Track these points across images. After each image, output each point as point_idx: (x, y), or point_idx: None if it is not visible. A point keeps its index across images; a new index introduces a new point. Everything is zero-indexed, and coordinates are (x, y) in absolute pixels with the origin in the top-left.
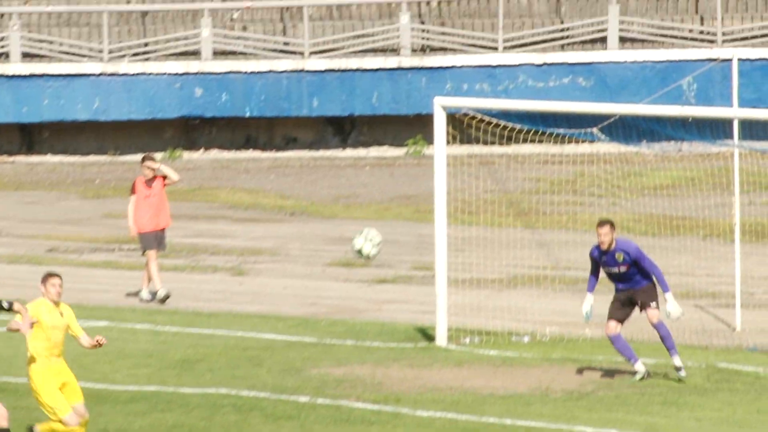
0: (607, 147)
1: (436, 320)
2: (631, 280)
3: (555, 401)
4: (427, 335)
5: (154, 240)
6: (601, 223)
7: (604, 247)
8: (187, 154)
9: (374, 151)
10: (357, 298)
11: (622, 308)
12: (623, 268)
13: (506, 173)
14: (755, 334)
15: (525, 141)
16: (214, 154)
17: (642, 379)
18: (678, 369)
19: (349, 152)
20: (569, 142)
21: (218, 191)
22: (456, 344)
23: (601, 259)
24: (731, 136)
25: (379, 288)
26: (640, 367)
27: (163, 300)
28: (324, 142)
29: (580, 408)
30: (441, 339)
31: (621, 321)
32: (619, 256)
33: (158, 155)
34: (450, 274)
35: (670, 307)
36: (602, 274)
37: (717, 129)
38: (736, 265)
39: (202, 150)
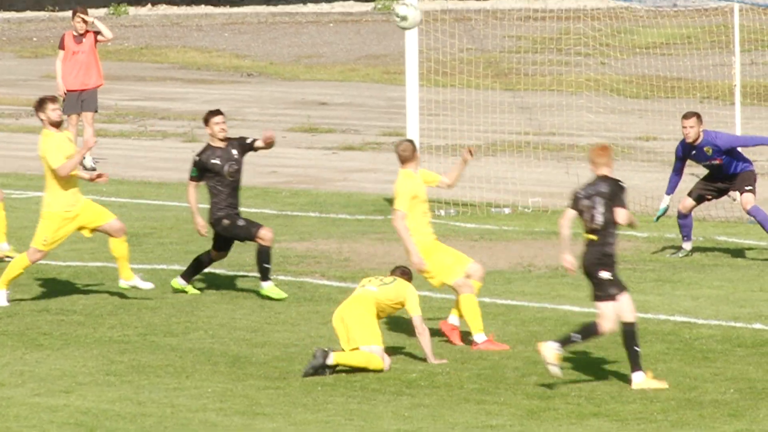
0: (595, 2)
1: None
2: (728, 169)
3: (538, 278)
4: None
5: (77, 101)
6: (687, 116)
7: (690, 140)
8: (133, 10)
9: (339, 6)
10: (321, 166)
11: (707, 190)
12: (716, 161)
13: (484, 30)
14: (758, 204)
15: None
16: (163, 9)
17: (685, 255)
18: None
19: (312, 7)
20: None
21: (168, 50)
22: (430, 217)
23: (689, 154)
24: None
25: (345, 155)
26: (688, 246)
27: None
28: None
29: (565, 285)
30: None
31: (699, 203)
32: (708, 150)
33: (101, 11)
34: (422, 140)
35: None
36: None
37: None
38: (736, 129)
39: (149, 5)
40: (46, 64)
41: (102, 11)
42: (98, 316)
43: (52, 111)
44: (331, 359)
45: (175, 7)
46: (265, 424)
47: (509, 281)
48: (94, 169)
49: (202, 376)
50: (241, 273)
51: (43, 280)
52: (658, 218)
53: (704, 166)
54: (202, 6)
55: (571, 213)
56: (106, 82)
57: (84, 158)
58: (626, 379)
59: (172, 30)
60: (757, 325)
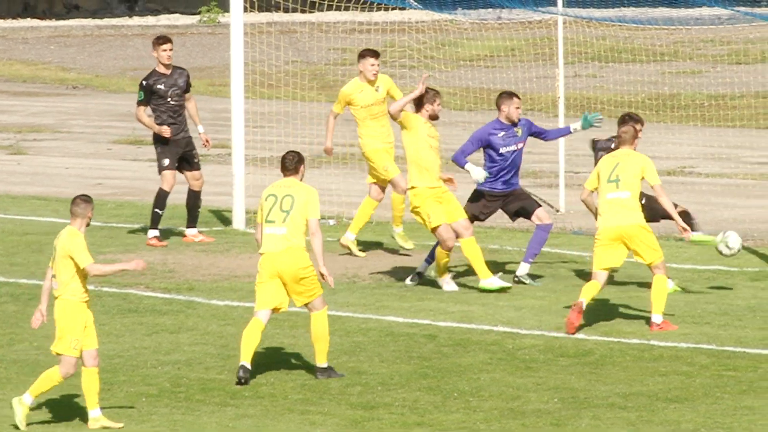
0: (419, 14)
1: (233, 202)
2: (515, 168)
3: (363, 289)
4: (224, 219)
5: None
6: (512, 95)
7: (515, 119)
8: None
9: (164, 19)
10: (146, 178)
11: (485, 211)
12: (520, 145)
13: (309, 43)
14: (580, 216)
15: (330, 8)
16: None
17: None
18: (519, 278)
19: (137, 20)
20: (378, 9)
21: None
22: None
23: (497, 136)
24: (555, 3)
25: None
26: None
27: None
28: (109, 9)
29: (390, 296)
30: (239, 222)
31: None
32: (519, 131)
33: None
34: (248, 153)
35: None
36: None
37: None
38: (560, 142)
39: None
40: None
41: None
42: None
43: (438, 105)
44: (249, 366)
45: (0, 20)
46: None
47: (334, 292)
48: None
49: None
50: None
51: None
52: (483, 179)
53: (500, 156)
54: (28, 19)
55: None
56: None
57: None
58: (448, 391)
59: None
60: (580, 335)
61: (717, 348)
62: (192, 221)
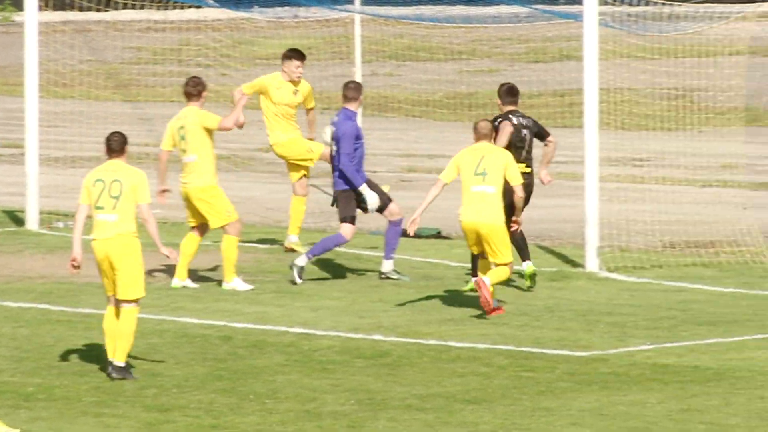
0: (215, 13)
1: (26, 202)
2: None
3: (158, 290)
4: (16, 219)
5: None
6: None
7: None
8: None
9: None
10: None
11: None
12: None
13: (104, 42)
14: (379, 215)
15: (125, 6)
16: None
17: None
18: (385, 274)
19: None
20: (174, 7)
21: None
22: (48, 229)
23: (357, 126)
24: (352, 1)
25: None
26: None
27: None
28: None
29: (185, 297)
30: (32, 223)
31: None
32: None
33: None
34: (42, 152)
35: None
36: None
37: None
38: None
39: None
40: None
41: None
42: None
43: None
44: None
45: None
46: None
47: None
48: None
49: None
50: None
51: None
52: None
53: (360, 144)
54: None
55: None
56: None
57: None
58: (243, 393)
59: None
60: (377, 336)
61: (515, 349)
62: None
